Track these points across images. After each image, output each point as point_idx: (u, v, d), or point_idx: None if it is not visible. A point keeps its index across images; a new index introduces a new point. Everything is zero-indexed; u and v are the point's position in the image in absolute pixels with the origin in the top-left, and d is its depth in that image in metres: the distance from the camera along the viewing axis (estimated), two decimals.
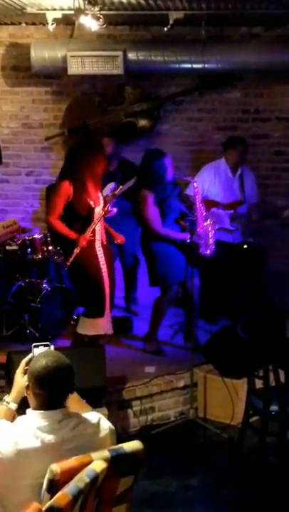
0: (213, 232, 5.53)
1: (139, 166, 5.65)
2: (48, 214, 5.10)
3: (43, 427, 2.42)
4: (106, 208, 4.99)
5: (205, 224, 5.49)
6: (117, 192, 5.18)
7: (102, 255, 4.98)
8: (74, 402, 2.73)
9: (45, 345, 2.80)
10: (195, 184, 5.54)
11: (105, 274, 4.97)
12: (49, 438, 2.40)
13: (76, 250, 4.87)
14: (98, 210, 4.94)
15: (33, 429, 2.42)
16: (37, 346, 2.79)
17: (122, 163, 6.39)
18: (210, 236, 5.50)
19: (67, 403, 2.56)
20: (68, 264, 4.96)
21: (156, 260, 5.49)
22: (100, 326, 5.01)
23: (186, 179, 5.63)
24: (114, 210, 5.10)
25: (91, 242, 4.92)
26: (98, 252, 4.96)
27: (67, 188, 4.87)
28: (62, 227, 4.95)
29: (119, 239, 5.35)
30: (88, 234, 4.88)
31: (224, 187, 6.13)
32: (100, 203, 4.97)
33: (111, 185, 5.34)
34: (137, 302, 6.74)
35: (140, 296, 6.86)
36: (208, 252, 5.47)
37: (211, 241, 5.49)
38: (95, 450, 2.37)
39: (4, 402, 2.64)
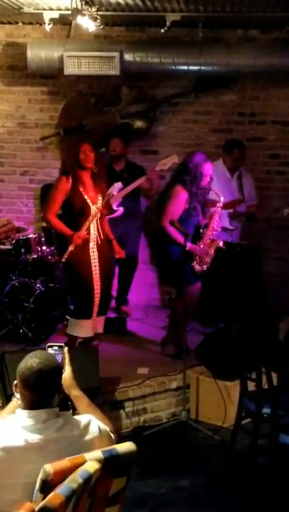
0: (213, 253, 5.49)
1: (181, 163, 5.56)
2: (46, 210, 5.09)
3: (28, 427, 2.43)
4: (104, 206, 4.99)
5: (209, 242, 5.46)
6: (123, 191, 5.18)
7: (96, 256, 4.98)
8: (84, 406, 2.74)
9: (59, 347, 2.82)
10: (221, 199, 5.48)
11: (97, 276, 4.97)
12: (33, 437, 2.40)
13: (70, 248, 4.88)
14: (94, 208, 4.94)
15: (18, 427, 2.43)
16: (51, 346, 2.81)
17: (128, 164, 6.40)
18: (208, 256, 5.46)
19: (78, 405, 2.58)
20: (63, 260, 4.97)
21: (171, 262, 5.46)
22: (87, 328, 5.01)
23: (215, 191, 5.48)
24: (121, 209, 5.11)
25: (85, 242, 4.92)
26: (91, 253, 4.96)
27: (64, 184, 4.88)
28: (58, 224, 4.97)
29: (120, 254, 5.31)
30: (83, 232, 4.89)
31: (222, 187, 6.14)
32: (97, 201, 4.97)
33: (118, 185, 5.31)
34: (128, 303, 6.75)
35: (131, 297, 6.87)
36: (199, 268, 5.43)
37: (207, 260, 5.45)
38: (82, 452, 2.36)
39: (15, 399, 2.64)
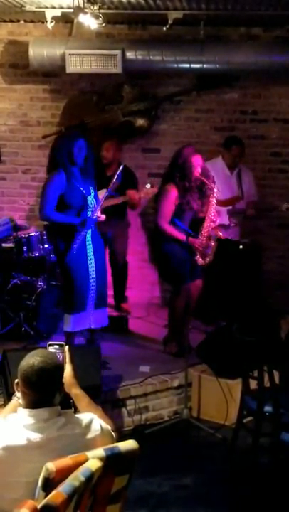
0: (214, 245, 5.49)
1: (170, 161, 5.59)
2: (42, 208, 4.98)
3: (29, 425, 2.43)
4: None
5: (208, 234, 5.46)
6: (104, 202, 5.18)
7: (92, 248, 4.97)
8: (84, 404, 2.74)
9: (59, 345, 2.82)
10: (216, 190, 5.49)
11: (92, 268, 4.95)
12: (34, 436, 2.40)
13: (83, 233, 4.85)
14: (91, 199, 4.94)
15: (19, 426, 2.43)
16: (51, 345, 2.82)
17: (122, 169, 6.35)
18: (209, 248, 5.46)
19: (79, 404, 2.60)
20: (74, 252, 4.90)
21: (168, 260, 5.49)
22: (82, 322, 4.99)
23: (209, 184, 5.47)
24: (103, 217, 5.08)
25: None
26: (88, 245, 4.95)
27: (60, 179, 4.86)
28: (60, 216, 4.90)
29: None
30: (95, 216, 4.88)
31: (221, 184, 6.14)
32: (90, 192, 4.97)
33: (102, 193, 5.28)
34: (127, 301, 6.76)
35: (133, 296, 6.88)
36: (201, 261, 5.43)
37: (209, 252, 5.45)
38: (83, 451, 2.37)
39: (15, 398, 2.65)
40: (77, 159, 4.89)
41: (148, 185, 5.96)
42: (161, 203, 5.42)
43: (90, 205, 4.94)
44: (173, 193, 5.37)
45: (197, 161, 5.38)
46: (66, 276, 4.99)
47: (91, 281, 4.96)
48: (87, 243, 4.96)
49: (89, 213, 4.92)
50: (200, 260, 5.41)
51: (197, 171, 5.36)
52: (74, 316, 4.97)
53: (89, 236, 4.97)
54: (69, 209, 4.91)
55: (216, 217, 5.52)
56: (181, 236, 5.24)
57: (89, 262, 4.96)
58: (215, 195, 5.49)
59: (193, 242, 5.32)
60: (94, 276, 4.97)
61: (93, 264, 4.98)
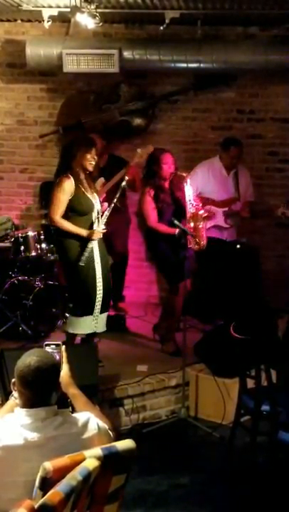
0: (203, 226, 5.43)
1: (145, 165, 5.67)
2: (52, 212, 4.92)
3: (26, 425, 2.43)
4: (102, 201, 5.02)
5: (193, 218, 5.39)
6: (106, 186, 5.20)
7: (98, 253, 4.96)
8: (81, 404, 2.74)
9: (56, 345, 2.83)
10: (188, 180, 5.47)
11: (99, 272, 4.95)
12: (32, 436, 2.40)
13: (90, 245, 4.85)
14: (98, 205, 4.94)
15: (17, 426, 2.43)
16: (48, 345, 2.82)
17: (110, 158, 6.37)
18: (199, 230, 5.38)
19: (75, 404, 2.60)
20: (82, 264, 4.88)
21: (163, 259, 5.52)
22: (87, 325, 4.99)
23: (180, 174, 5.58)
24: (105, 205, 5.09)
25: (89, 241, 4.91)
26: (95, 250, 4.94)
27: (69, 185, 4.83)
28: (69, 225, 4.85)
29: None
30: (101, 228, 4.89)
31: (219, 185, 6.14)
32: (96, 198, 4.98)
33: (100, 181, 5.33)
34: (124, 299, 6.76)
35: (131, 295, 6.87)
36: (196, 247, 5.37)
37: (201, 234, 5.38)
38: (80, 450, 2.37)
39: (12, 398, 2.65)
40: (89, 166, 4.90)
41: (139, 150, 5.72)
42: (143, 206, 5.57)
43: (95, 213, 4.93)
44: (148, 195, 5.51)
45: (166, 158, 5.50)
46: (74, 278, 4.98)
47: (98, 286, 4.95)
48: (94, 248, 4.95)
49: (95, 225, 4.90)
50: (196, 247, 5.38)
51: (168, 168, 5.49)
52: (81, 319, 4.96)
53: (95, 241, 4.95)
54: (75, 215, 4.88)
55: (193, 200, 5.44)
56: (169, 230, 5.36)
57: (96, 266, 4.95)
58: (187, 176, 5.51)
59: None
60: (101, 281, 4.96)
61: (100, 269, 4.95)
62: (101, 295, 4.96)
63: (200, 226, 5.37)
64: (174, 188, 5.59)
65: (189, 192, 5.42)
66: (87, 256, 4.85)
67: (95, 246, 4.93)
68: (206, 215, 5.60)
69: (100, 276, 4.94)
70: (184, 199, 5.49)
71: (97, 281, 4.93)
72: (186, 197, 5.44)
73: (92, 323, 4.96)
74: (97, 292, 4.93)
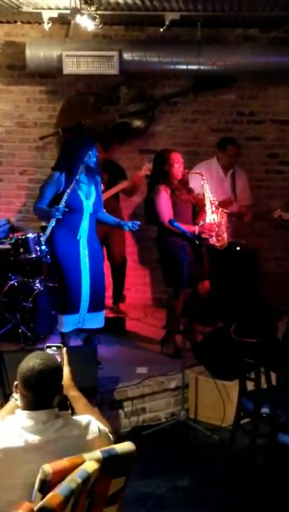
0: (225, 221, 5.55)
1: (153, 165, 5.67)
2: (35, 201, 5.09)
3: (27, 427, 2.43)
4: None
5: (214, 216, 5.50)
6: (105, 194, 5.20)
7: (87, 252, 4.96)
8: (81, 406, 2.74)
9: (57, 347, 2.83)
10: (204, 177, 5.56)
11: (86, 272, 4.95)
12: (33, 438, 2.40)
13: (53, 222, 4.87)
14: (90, 204, 4.94)
15: (18, 428, 2.43)
16: (49, 347, 2.83)
17: (108, 164, 6.35)
18: (221, 225, 5.51)
19: (76, 406, 2.60)
20: (45, 236, 4.95)
21: (169, 259, 5.46)
22: (72, 323, 4.98)
23: (193, 172, 5.65)
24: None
25: (75, 236, 4.91)
26: (81, 248, 4.94)
27: (57, 179, 4.87)
28: (40, 209, 5.01)
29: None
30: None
31: (215, 186, 6.13)
32: (90, 196, 4.98)
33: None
34: (125, 300, 6.75)
35: (131, 297, 6.87)
36: (218, 244, 5.49)
37: (223, 230, 5.52)
38: (81, 452, 2.37)
39: (13, 399, 2.64)
40: (87, 164, 4.92)
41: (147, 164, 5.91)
42: (157, 204, 5.42)
43: (85, 210, 4.94)
44: (164, 193, 5.42)
45: (176, 157, 5.46)
46: (58, 276, 5.02)
47: (84, 285, 4.94)
48: (82, 247, 4.95)
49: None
50: (217, 244, 5.43)
51: (178, 168, 5.45)
52: (66, 317, 4.98)
53: (84, 241, 4.96)
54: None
55: (213, 196, 5.58)
56: (188, 228, 5.30)
57: (82, 265, 4.94)
58: (204, 176, 5.55)
59: (202, 228, 5.38)
60: (88, 280, 4.96)
61: (87, 269, 4.96)
62: (88, 294, 4.95)
63: (223, 222, 5.48)
64: (185, 187, 5.58)
65: (207, 189, 5.50)
66: (72, 247, 4.91)
67: (83, 244, 4.93)
68: (226, 211, 5.67)
69: (87, 275, 4.94)
70: (194, 198, 5.53)
71: (83, 280, 4.92)
72: (205, 195, 5.50)
73: (79, 322, 4.96)
74: (83, 291, 4.93)
